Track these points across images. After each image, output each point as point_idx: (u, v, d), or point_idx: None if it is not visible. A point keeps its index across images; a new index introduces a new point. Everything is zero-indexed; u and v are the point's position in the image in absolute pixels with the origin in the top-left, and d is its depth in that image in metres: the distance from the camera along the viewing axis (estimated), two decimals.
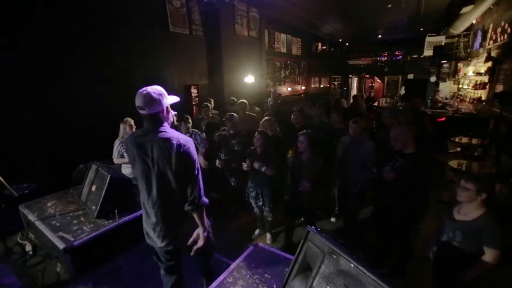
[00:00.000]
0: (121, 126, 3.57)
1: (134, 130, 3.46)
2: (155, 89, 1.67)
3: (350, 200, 3.20)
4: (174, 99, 1.79)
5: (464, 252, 1.84)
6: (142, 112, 1.67)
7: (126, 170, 3.54)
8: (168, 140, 1.63)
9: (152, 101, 1.63)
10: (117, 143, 3.55)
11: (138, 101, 1.64)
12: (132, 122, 3.54)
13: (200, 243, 1.80)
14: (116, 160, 3.55)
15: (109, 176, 2.63)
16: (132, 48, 4.81)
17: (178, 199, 1.73)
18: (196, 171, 1.71)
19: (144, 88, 1.66)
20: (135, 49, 4.87)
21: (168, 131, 1.69)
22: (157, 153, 1.65)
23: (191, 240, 1.82)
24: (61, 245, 2.25)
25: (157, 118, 1.69)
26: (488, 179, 2.26)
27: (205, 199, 1.77)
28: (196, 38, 6.26)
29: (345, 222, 3.55)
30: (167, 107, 1.74)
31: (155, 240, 1.83)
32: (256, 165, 3.04)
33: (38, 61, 3.60)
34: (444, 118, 6.94)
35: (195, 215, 1.75)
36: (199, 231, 1.81)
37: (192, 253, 1.80)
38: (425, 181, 2.43)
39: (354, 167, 3.01)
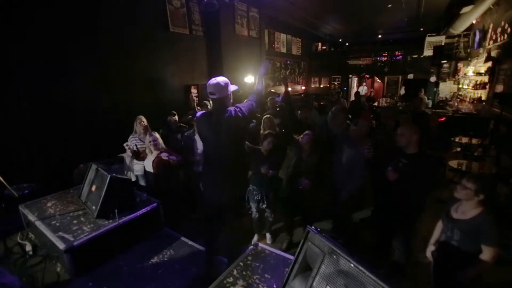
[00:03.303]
0: (134, 123, 3.72)
1: (144, 126, 3.65)
2: (222, 79, 2.19)
3: (339, 205, 3.12)
4: (234, 87, 2.32)
5: (462, 251, 1.84)
6: (212, 96, 2.18)
7: (137, 166, 3.58)
8: (230, 113, 2.17)
9: (221, 88, 2.16)
10: (129, 138, 3.71)
11: (210, 88, 2.16)
12: (143, 119, 3.69)
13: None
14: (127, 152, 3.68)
15: (109, 176, 2.62)
16: (132, 48, 4.80)
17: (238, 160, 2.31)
18: (249, 106, 2.27)
19: (214, 78, 2.17)
20: (135, 49, 4.86)
21: (230, 108, 2.20)
22: (225, 125, 2.16)
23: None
24: (61, 245, 2.25)
25: (224, 101, 2.21)
26: (489, 180, 2.27)
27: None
28: (196, 38, 6.25)
29: (338, 225, 3.36)
30: (230, 93, 2.25)
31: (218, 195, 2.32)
32: (263, 170, 3.03)
33: (39, 60, 3.59)
34: (444, 118, 6.94)
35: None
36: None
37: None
38: (427, 183, 2.43)
39: (345, 170, 2.91)
